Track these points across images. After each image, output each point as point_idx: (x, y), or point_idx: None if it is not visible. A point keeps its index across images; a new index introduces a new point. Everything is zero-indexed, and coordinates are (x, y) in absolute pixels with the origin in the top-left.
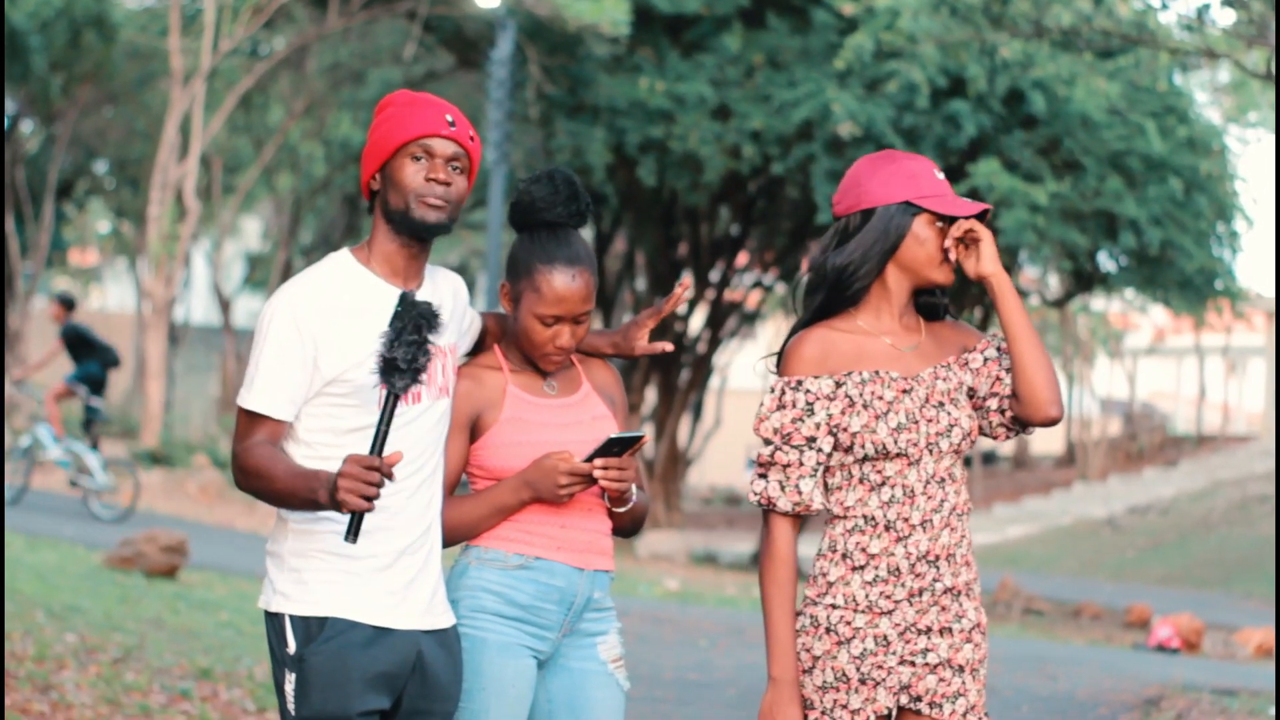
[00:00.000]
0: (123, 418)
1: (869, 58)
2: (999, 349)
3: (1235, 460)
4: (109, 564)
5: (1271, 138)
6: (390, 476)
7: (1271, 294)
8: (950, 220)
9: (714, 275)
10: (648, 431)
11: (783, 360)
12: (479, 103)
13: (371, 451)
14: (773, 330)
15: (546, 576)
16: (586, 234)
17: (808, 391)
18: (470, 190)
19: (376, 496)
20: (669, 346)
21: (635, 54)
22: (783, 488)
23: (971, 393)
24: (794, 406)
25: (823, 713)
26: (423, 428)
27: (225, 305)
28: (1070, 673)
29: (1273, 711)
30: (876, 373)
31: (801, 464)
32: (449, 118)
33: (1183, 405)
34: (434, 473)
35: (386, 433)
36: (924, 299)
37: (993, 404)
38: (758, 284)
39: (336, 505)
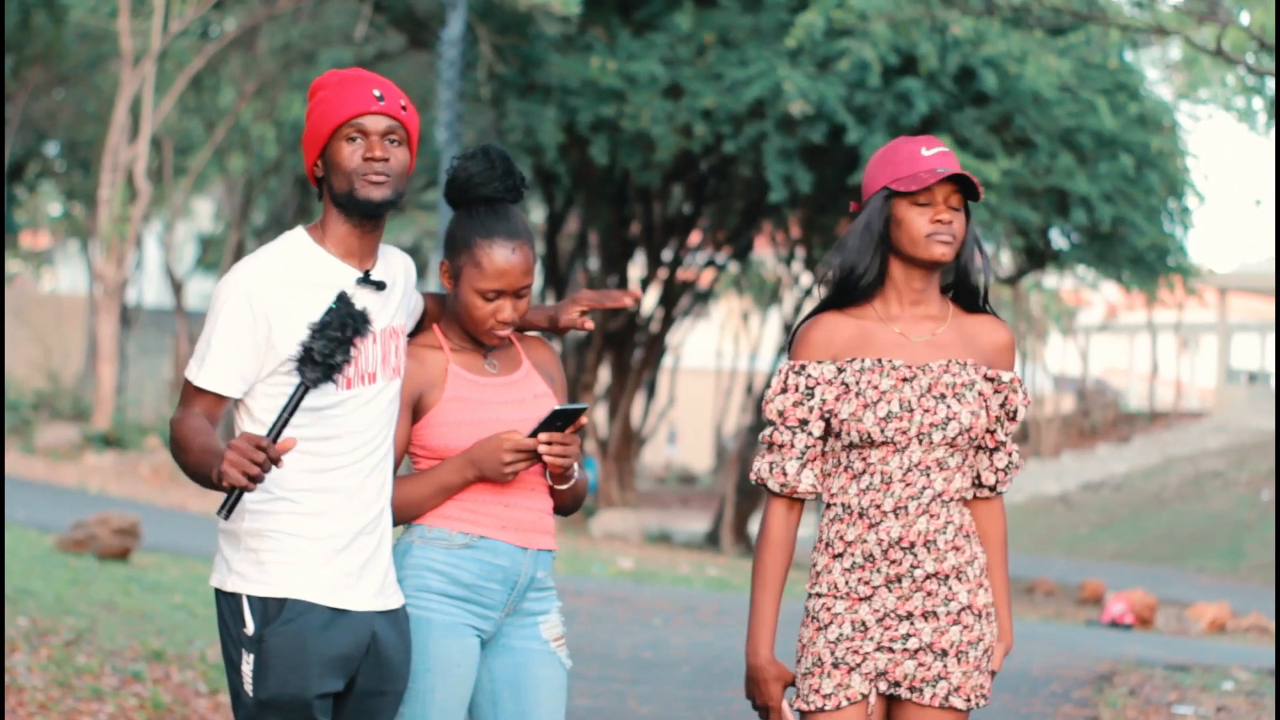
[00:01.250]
0: (75, 400)
1: (820, 36)
2: (1013, 410)
3: (1188, 436)
4: (61, 547)
5: (1222, 114)
6: (277, 462)
7: (1221, 270)
8: (910, 192)
9: (667, 254)
10: (589, 406)
11: (791, 344)
12: (430, 83)
13: (268, 434)
14: (725, 309)
15: (491, 556)
16: (538, 214)
17: (809, 376)
18: (414, 160)
19: (259, 478)
20: (589, 324)
21: (586, 33)
22: (772, 469)
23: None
24: (795, 390)
25: (798, 697)
26: (377, 408)
27: (178, 287)
28: (1023, 649)
29: (1229, 685)
30: (879, 360)
31: (792, 445)
32: (376, 92)
33: (1135, 382)
34: (388, 453)
35: (287, 420)
36: (959, 287)
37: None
38: (710, 263)
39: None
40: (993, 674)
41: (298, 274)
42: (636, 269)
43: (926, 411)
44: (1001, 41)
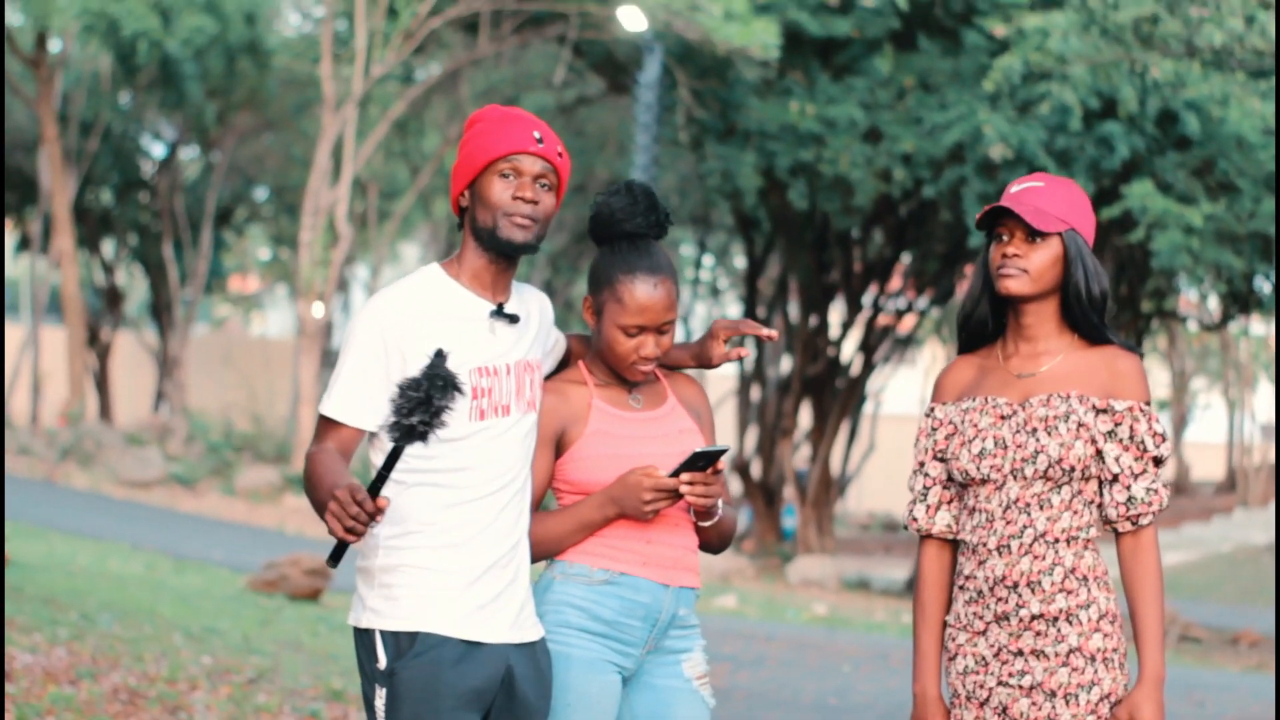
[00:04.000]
0: (279, 444)
1: (1019, 79)
2: (1127, 440)
3: None
4: (253, 587)
5: None
6: (374, 518)
7: None
8: (994, 230)
9: (866, 299)
10: (729, 448)
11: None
12: (629, 127)
13: (370, 489)
14: (929, 355)
15: (631, 592)
16: (739, 260)
17: (935, 419)
18: (559, 206)
19: (358, 531)
20: (745, 351)
21: (785, 77)
22: (911, 512)
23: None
24: (926, 435)
25: None
26: (511, 441)
27: None
28: (1219, 699)
29: None
30: (986, 399)
31: (923, 488)
32: (536, 134)
33: None
34: (523, 486)
35: (386, 477)
36: (1076, 319)
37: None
38: (909, 307)
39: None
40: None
41: (431, 306)
42: (836, 314)
43: (1019, 447)
44: (1203, 85)
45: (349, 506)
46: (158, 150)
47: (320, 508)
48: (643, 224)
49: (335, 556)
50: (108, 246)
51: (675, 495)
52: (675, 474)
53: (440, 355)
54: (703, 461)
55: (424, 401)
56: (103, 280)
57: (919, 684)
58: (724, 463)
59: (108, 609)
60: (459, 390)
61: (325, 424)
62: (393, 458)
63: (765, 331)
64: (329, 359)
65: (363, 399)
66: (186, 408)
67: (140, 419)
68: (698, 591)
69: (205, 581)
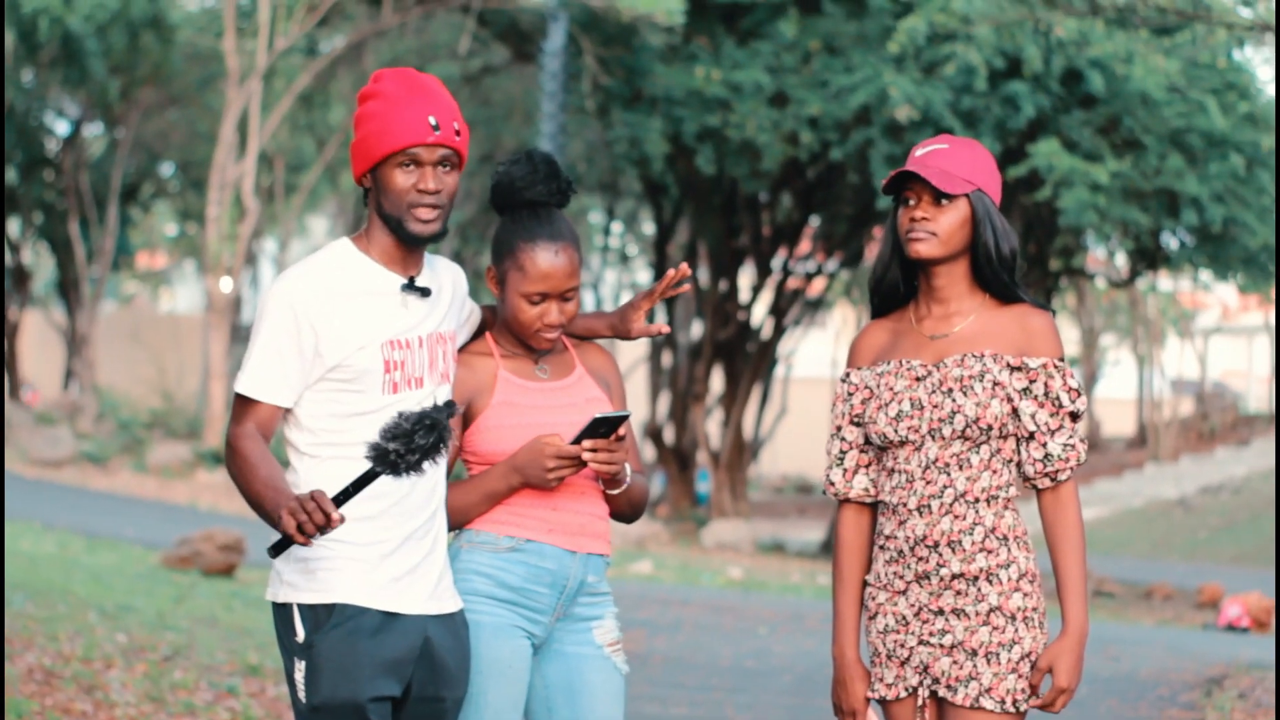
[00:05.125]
0: (189, 419)
1: (924, 41)
2: (1043, 398)
3: None
4: (166, 564)
5: None
6: (328, 528)
7: None
8: (901, 194)
9: (776, 263)
10: (631, 413)
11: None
12: (535, 96)
13: (334, 499)
14: (839, 318)
15: (537, 559)
16: (648, 227)
17: (851, 384)
18: (458, 180)
19: (313, 535)
20: (665, 329)
21: (690, 43)
22: (829, 476)
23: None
24: (842, 399)
25: (871, 685)
26: None
27: None
28: (1134, 653)
29: None
30: (901, 362)
31: (840, 453)
32: (432, 119)
33: (1254, 384)
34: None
35: (352, 495)
36: (986, 278)
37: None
38: (818, 270)
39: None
40: (1058, 672)
41: (342, 282)
42: (746, 278)
43: (936, 408)
44: (1107, 43)
45: (314, 514)
46: (62, 128)
47: (257, 499)
48: (543, 192)
49: (278, 548)
50: (13, 225)
51: (579, 463)
52: (577, 441)
53: (449, 406)
54: (604, 428)
55: (407, 435)
56: (9, 259)
57: (838, 647)
58: (631, 429)
59: (20, 589)
60: (443, 444)
61: (243, 403)
62: (364, 479)
63: (669, 278)
64: (239, 334)
65: (278, 376)
66: (96, 385)
67: (50, 397)
68: (608, 559)
69: (118, 559)
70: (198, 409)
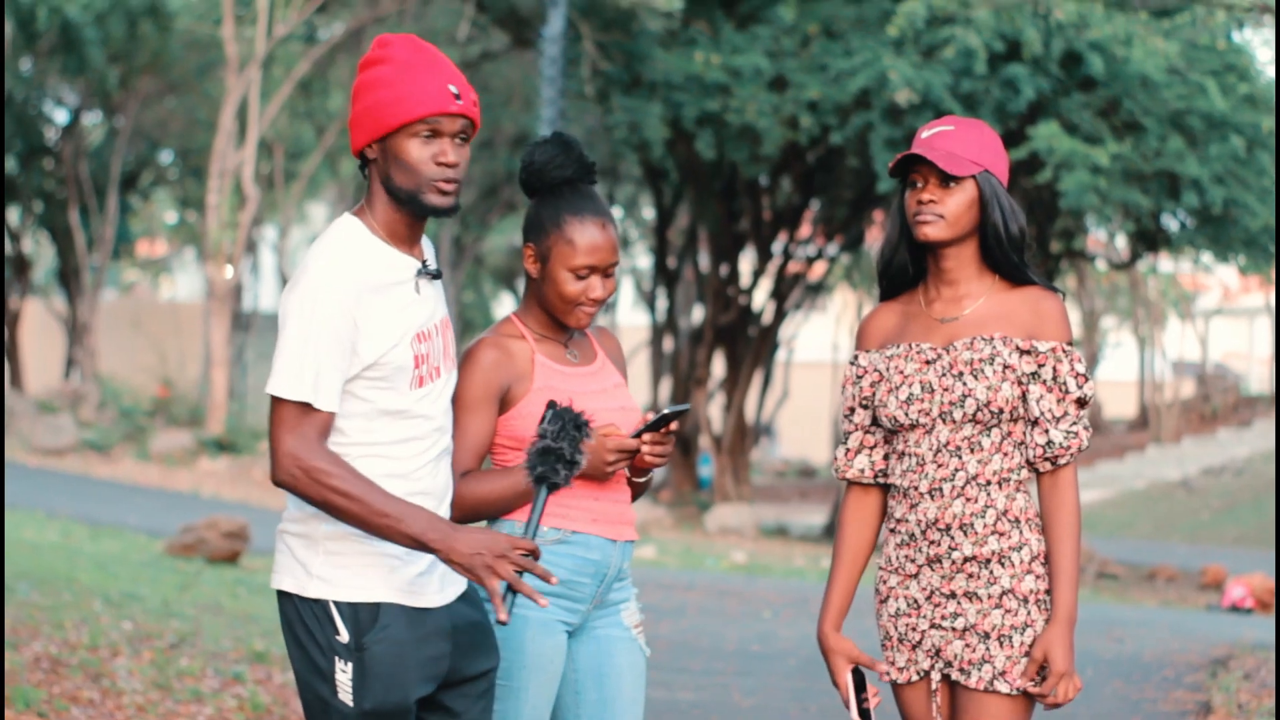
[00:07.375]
0: (192, 407)
1: (923, 24)
2: (1051, 381)
3: None
4: (170, 551)
5: None
6: (535, 556)
7: None
8: (908, 176)
9: (776, 247)
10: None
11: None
12: (534, 82)
13: (526, 534)
14: (840, 302)
15: (584, 550)
16: (648, 212)
17: (860, 366)
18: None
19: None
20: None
21: (689, 28)
22: (836, 457)
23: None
24: (852, 382)
25: (884, 669)
26: (442, 401)
27: None
28: (1138, 635)
29: None
30: (910, 345)
31: (847, 434)
32: (453, 89)
33: (1256, 365)
34: (449, 445)
35: (537, 524)
36: (996, 260)
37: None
38: (819, 254)
39: (427, 548)
40: (1047, 659)
41: (371, 274)
42: (747, 262)
43: (946, 391)
44: (1106, 25)
45: (521, 561)
46: (61, 117)
47: (368, 518)
48: (577, 170)
49: (509, 600)
50: (13, 214)
51: (633, 455)
52: (638, 435)
53: (557, 406)
54: (661, 422)
55: (569, 461)
56: (9, 248)
57: (818, 624)
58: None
59: (25, 577)
60: (587, 429)
61: (299, 411)
62: (545, 500)
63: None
64: (239, 322)
65: (336, 383)
66: (98, 374)
67: (51, 386)
68: (635, 543)
69: (122, 547)
70: (199, 396)
